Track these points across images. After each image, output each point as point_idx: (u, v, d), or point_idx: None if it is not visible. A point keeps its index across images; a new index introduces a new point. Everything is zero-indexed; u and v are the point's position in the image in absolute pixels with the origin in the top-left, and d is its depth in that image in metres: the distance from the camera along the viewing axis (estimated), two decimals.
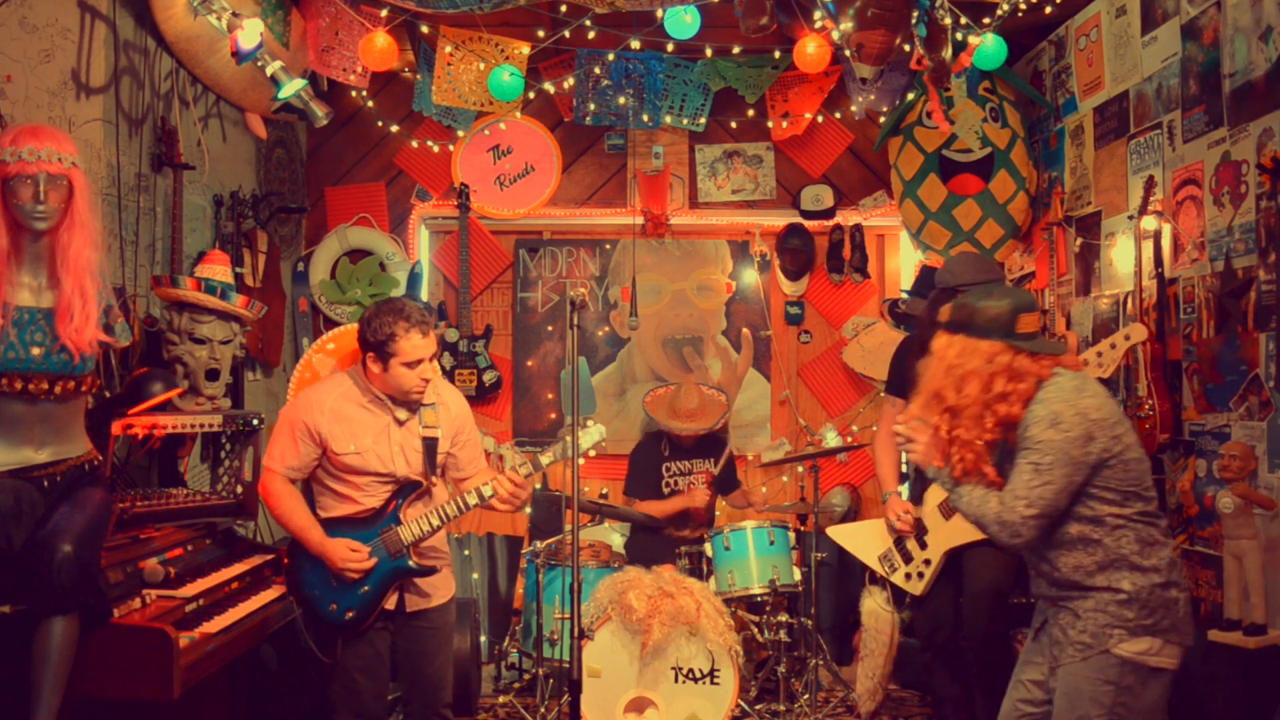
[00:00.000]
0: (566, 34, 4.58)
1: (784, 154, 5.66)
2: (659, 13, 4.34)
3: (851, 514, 5.43)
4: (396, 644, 3.16)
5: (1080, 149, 4.63)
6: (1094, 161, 4.50)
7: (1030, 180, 4.98)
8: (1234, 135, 3.51)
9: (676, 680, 3.93)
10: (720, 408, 5.03)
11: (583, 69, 5.26)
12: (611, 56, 5.08)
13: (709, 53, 4.91)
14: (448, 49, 5.00)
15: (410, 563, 3.06)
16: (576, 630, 3.06)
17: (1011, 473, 2.41)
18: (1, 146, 2.55)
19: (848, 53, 4.14)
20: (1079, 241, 4.60)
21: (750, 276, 5.68)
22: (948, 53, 3.96)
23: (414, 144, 5.46)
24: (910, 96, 5.16)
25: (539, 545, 4.42)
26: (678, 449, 4.95)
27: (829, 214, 5.59)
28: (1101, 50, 4.39)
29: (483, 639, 5.01)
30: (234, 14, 3.32)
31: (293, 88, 3.47)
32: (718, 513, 5.13)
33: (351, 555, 3.00)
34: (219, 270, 3.75)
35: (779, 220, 5.63)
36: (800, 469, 5.06)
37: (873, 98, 5.28)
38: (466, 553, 5.23)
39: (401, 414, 3.11)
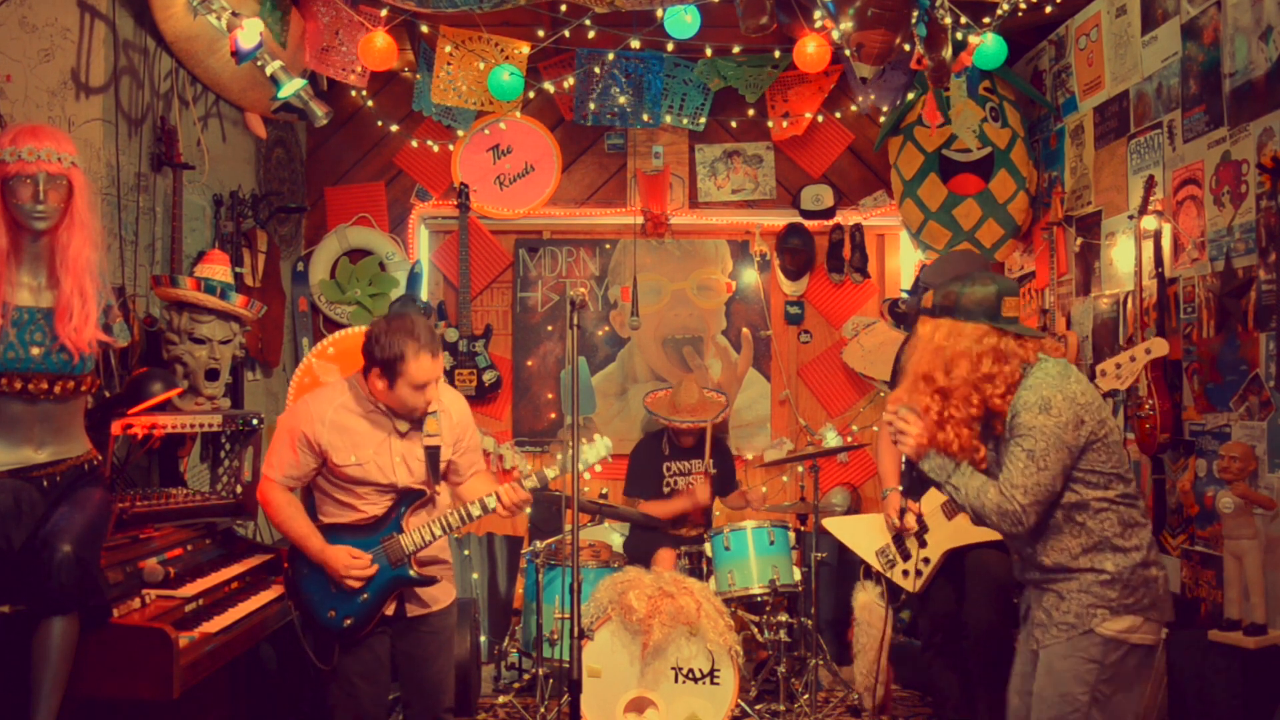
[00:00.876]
0: (566, 33, 4.58)
1: (784, 154, 5.66)
2: (659, 12, 4.33)
3: (851, 514, 5.42)
4: (397, 648, 3.14)
5: (1080, 149, 4.62)
6: (1094, 161, 4.50)
7: (1030, 180, 4.98)
8: (1234, 135, 3.51)
9: (676, 680, 3.93)
10: (718, 405, 5.05)
11: (583, 69, 5.26)
12: (611, 56, 5.08)
13: (709, 52, 4.91)
14: (447, 49, 5.00)
15: (411, 572, 3.04)
16: (576, 630, 3.04)
17: (1006, 461, 2.42)
18: (1, 146, 2.55)
19: (848, 52, 4.13)
20: (1079, 241, 4.60)
21: (750, 276, 5.68)
22: (948, 52, 3.96)
23: (414, 144, 5.46)
24: (910, 96, 5.16)
25: (539, 545, 4.42)
26: (678, 449, 4.96)
27: (829, 214, 5.59)
28: (1102, 50, 4.39)
29: (483, 639, 5.01)
30: (233, 14, 3.32)
31: (292, 87, 3.46)
32: (717, 513, 5.13)
33: (353, 563, 2.98)
34: (218, 270, 3.75)
35: (779, 220, 5.63)
36: (800, 469, 5.06)
37: (873, 97, 5.28)
38: (466, 553, 5.23)
39: (402, 425, 3.07)
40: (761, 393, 5.65)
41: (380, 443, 3.05)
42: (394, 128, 5.50)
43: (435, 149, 5.48)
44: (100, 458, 2.86)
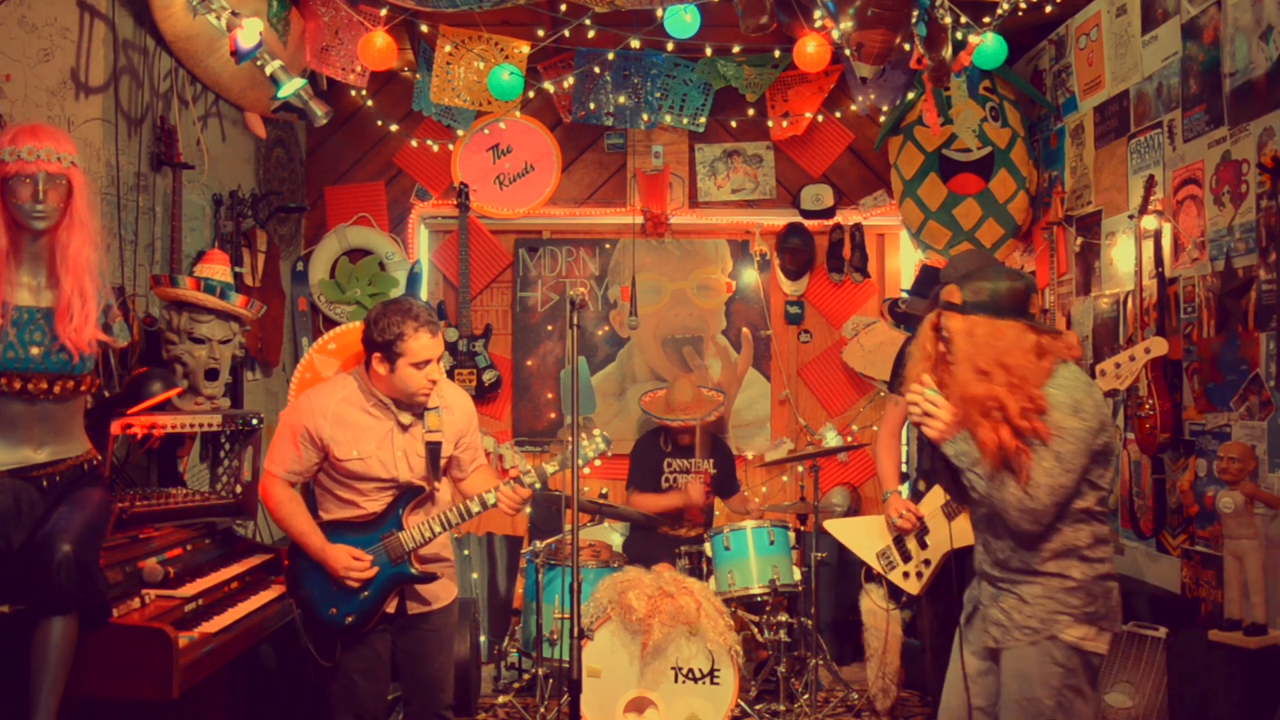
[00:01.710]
0: (566, 33, 4.57)
1: (784, 153, 5.65)
2: (659, 12, 4.33)
3: (851, 514, 5.42)
4: (397, 645, 3.14)
5: (1080, 148, 4.62)
6: (1094, 161, 4.50)
7: (1030, 179, 4.98)
8: (1234, 134, 3.51)
9: (676, 680, 3.93)
10: (712, 403, 5.06)
11: (582, 68, 5.26)
12: (611, 56, 5.07)
13: (709, 52, 4.91)
14: (447, 48, 4.99)
15: (412, 569, 3.03)
16: (576, 630, 3.04)
17: (1032, 459, 2.39)
18: (0, 146, 2.55)
19: (848, 52, 4.13)
20: (1079, 241, 4.59)
21: (750, 276, 5.67)
22: (948, 52, 3.96)
23: (413, 143, 5.46)
24: (910, 96, 5.16)
25: (539, 545, 4.42)
26: (679, 447, 4.97)
27: (829, 213, 5.59)
28: (1102, 49, 4.39)
29: (482, 639, 5.01)
30: (233, 13, 3.32)
31: (292, 87, 3.46)
32: (717, 513, 5.13)
33: (354, 563, 2.97)
34: (218, 270, 3.74)
35: (779, 220, 5.63)
36: (800, 469, 5.06)
37: (873, 97, 5.28)
38: (466, 552, 5.23)
39: (405, 418, 3.07)
40: (761, 393, 5.65)
41: (383, 437, 3.05)
42: (394, 127, 5.50)
43: (435, 149, 5.47)
44: (100, 457, 2.86)
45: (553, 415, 5.63)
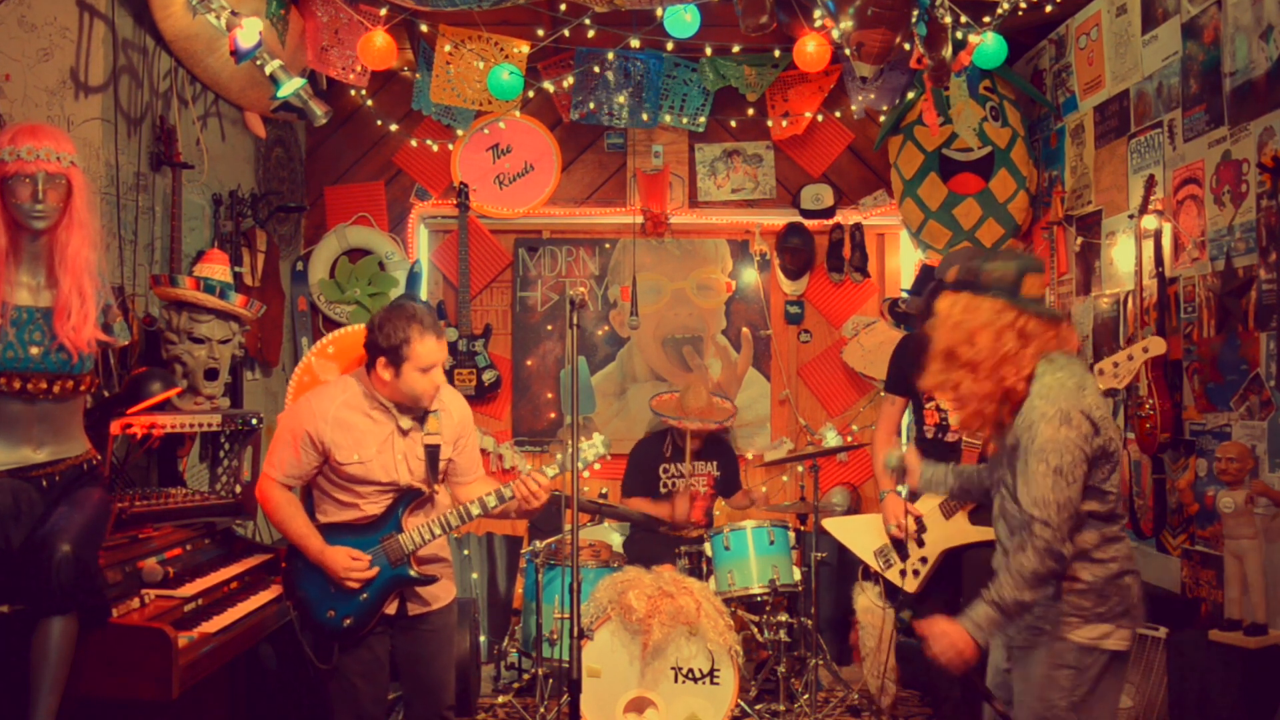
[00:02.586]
0: (566, 33, 4.57)
1: (784, 153, 5.65)
2: (659, 12, 4.33)
3: (851, 513, 5.42)
4: (397, 647, 3.13)
5: (1081, 148, 4.62)
6: (1094, 160, 4.50)
7: (1030, 179, 4.98)
8: (1234, 134, 3.51)
9: (676, 680, 3.93)
10: (725, 413, 5.11)
11: (582, 68, 5.25)
12: (611, 55, 5.07)
13: (709, 52, 4.91)
14: (447, 48, 4.99)
15: (411, 571, 3.03)
16: (576, 630, 3.03)
17: (1028, 479, 2.35)
18: (0, 145, 2.55)
19: (848, 51, 4.13)
20: (1079, 241, 4.59)
21: (750, 276, 5.67)
22: (948, 51, 3.96)
23: (413, 143, 5.46)
24: (910, 95, 5.16)
25: (538, 545, 4.41)
26: (679, 452, 4.96)
27: (829, 213, 5.59)
28: (1102, 49, 4.38)
29: (482, 639, 5.01)
30: (233, 13, 3.32)
31: (292, 87, 3.46)
32: (718, 513, 5.13)
33: (353, 565, 2.97)
34: (218, 269, 3.74)
35: (779, 219, 5.63)
36: (800, 468, 5.06)
37: (873, 97, 5.27)
38: (466, 553, 5.23)
39: (405, 422, 3.06)
40: (761, 392, 5.65)
41: (383, 441, 3.04)
42: (393, 127, 5.50)
43: (435, 148, 5.47)
44: (99, 457, 2.86)
45: (552, 415, 5.62)
